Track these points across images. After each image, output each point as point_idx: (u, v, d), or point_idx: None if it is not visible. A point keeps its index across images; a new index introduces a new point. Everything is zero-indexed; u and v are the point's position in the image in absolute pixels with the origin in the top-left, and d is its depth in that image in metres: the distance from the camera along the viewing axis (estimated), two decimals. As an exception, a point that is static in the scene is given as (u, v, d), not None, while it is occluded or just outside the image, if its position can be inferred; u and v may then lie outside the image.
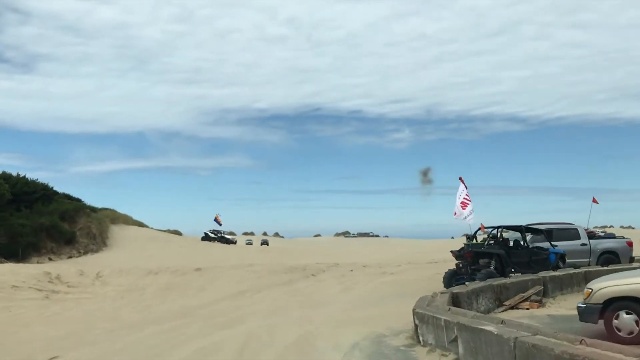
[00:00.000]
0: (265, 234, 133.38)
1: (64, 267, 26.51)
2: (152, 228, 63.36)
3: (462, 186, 17.57)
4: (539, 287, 12.77)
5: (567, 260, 17.99)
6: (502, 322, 7.08)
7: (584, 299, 8.76)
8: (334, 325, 11.71)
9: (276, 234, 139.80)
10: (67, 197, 52.81)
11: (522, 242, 16.80)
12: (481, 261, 16.00)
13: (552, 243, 17.13)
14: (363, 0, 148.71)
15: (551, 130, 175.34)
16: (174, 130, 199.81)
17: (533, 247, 16.68)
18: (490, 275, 15.27)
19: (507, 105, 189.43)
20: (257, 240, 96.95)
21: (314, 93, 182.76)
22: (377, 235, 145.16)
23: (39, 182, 48.57)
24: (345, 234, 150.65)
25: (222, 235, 68.23)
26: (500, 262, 15.93)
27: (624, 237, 21.10)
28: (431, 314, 8.58)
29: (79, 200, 53.85)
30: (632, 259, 19.51)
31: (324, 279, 21.35)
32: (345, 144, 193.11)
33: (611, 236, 22.30)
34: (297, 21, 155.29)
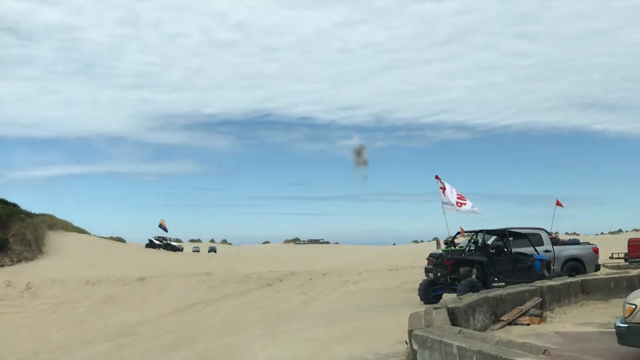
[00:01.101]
0: (212, 240, 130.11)
1: (-11, 277, 23.81)
2: (93, 235, 60.09)
3: (443, 183, 16.02)
4: (537, 299, 11.22)
5: None
6: (545, 351, 5.38)
7: (625, 317, 7.15)
8: (304, 347, 9.89)
9: (224, 241, 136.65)
10: (2, 201, 49.32)
11: (505, 249, 15.34)
12: (461, 269, 14.43)
13: (536, 249, 15.71)
14: (314, 6, 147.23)
15: (497, 138, 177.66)
16: (119, 135, 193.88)
17: (516, 254, 15.23)
18: (473, 286, 13.72)
19: (455, 113, 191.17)
20: (204, 247, 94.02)
21: (264, 99, 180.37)
22: (327, 242, 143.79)
23: (-32, 185, 45.00)
24: (295, 240, 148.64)
25: (168, 242, 65.28)
26: (483, 271, 14.40)
27: (589, 244, 19.76)
28: (437, 338, 6.82)
29: (15, 205, 50.41)
30: (597, 267, 18.26)
31: (282, 289, 19.46)
32: (295, 150, 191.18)
33: (575, 242, 21.04)
34: (247, 26, 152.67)
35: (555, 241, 18.98)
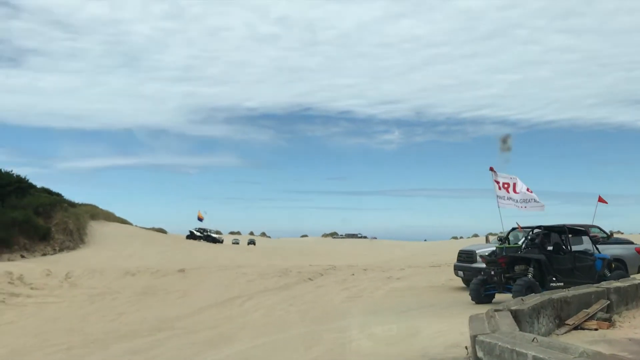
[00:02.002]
0: (252, 233, 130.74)
1: (30, 266, 23.69)
2: (135, 226, 60.47)
3: (498, 175, 15.09)
4: (605, 302, 10.28)
5: None
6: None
7: None
8: (350, 349, 9.19)
9: (263, 234, 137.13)
10: (47, 191, 49.80)
11: (564, 246, 14.35)
12: (517, 268, 13.53)
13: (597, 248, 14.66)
14: (356, 0, 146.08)
15: (540, 134, 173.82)
16: (162, 128, 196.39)
17: (576, 252, 14.24)
18: (529, 286, 12.84)
19: (497, 109, 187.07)
20: (243, 239, 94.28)
21: (304, 93, 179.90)
22: (365, 237, 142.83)
23: (13, 174, 45.50)
24: (333, 234, 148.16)
25: (209, 233, 65.38)
26: (540, 270, 13.47)
27: (632, 243, 18.49)
28: (508, 346, 6.04)
29: (58, 195, 50.93)
30: None
31: (323, 284, 18.77)
32: (334, 144, 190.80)
33: (619, 241, 19.59)
34: (289, 20, 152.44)
35: (595, 240, 17.79)
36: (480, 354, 6.67)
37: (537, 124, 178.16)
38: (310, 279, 20.07)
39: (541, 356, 5.55)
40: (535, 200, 15.77)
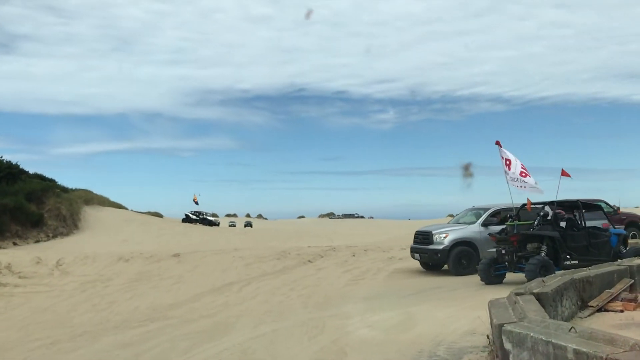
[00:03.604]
0: (248, 215, 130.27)
1: (19, 253, 22.93)
2: (130, 210, 59.63)
3: (502, 150, 14.30)
4: (629, 281, 9.59)
5: None
6: None
7: None
8: (356, 337, 8.49)
9: (259, 216, 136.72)
10: (40, 177, 48.92)
11: (578, 222, 13.66)
12: (529, 246, 12.84)
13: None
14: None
15: (534, 110, 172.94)
16: (156, 112, 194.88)
17: (590, 228, 13.56)
18: (543, 265, 12.18)
19: (491, 86, 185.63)
20: (240, 222, 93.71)
21: (299, 73, 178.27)
22: (362, 217, 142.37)
23: (3, 160, 44.61)
24: (330, 215, 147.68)
25: (205, 216, 64.68)
26: (554, 247, 12.79)
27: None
28: (542, 337, 5.31)
29: (52, 180, 50.02)
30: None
31: (324, 266, 18.09)
32: (329, 124, 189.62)
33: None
34: (282, 0, 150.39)
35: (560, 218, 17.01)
36: (507, 345, 5.95)
37: (531, 100, 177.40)
38: (309, 261, 19.39)
39: (584, 350, 4.82)
40: (530, 185, 15.02)
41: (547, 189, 15.84)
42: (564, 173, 18.08)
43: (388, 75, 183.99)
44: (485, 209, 16.83)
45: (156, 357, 8.23)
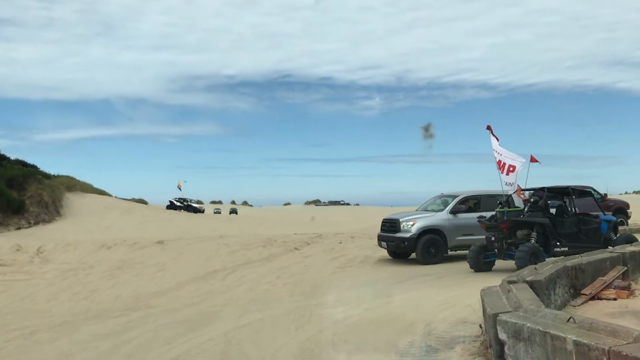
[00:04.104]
0: (233, 202, 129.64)
1: (-1, 240, 22.46)
2: (115, 197, 58.95)
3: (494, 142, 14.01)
4: (622, 268, 9.43)
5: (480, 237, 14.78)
6: None
7: None
8: (344, 327, 8.25)
9: (245, 203, 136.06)
10: (21, 163, 48.14)
11: (568, 208, 13.50)
12: (519, 233, 12.67)
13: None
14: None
15: (520, 97, 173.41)
16: (141, 98, 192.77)
17: (580, 214, 13.40)
18: (533, 252, 12.02)
19: (477, 72, 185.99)
20: (225, 209, 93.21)
21: (284, 59, 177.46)
22: (347, 204, 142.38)
23: (-17, 146, 43.82)
24: (316, 202, 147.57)
25: (189, 203, 64.19)
26: (544, 234, 12.62)
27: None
28: (539, 328, 5.08)
29: (33, 166, 49.24)
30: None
31: (311, 254, 17.83)
32: (315, 111, 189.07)
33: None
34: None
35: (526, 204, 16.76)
36: (502, 335, 5.74)
37: (517, 87, 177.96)
38: (296, 248, 19.12)
39: (585, 341, 4.62)
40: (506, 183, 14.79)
41: (532, 176, 15.67)
42: (533, 159, 17.78)
43: (374, 61, 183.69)
44: (454, 196, 16.51)
45: (137, 347, 7.94)
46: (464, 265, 13.71)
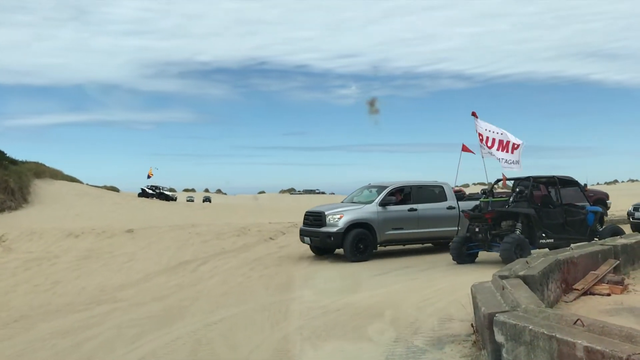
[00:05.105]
0: (207, 190, 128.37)
1: (-41, 229, 21.48)
2: (86, 184, 57.61)
3: (478, 122, 13.58)
4: (614, 262, 9.02)
5: (429, 230, 14.69)
6: None
7: None
8: (323, 323, 7.70)
9: (219, 191, 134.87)
10: (-13, 149, 46.67)
11: (554, 199, 13.11)
12: (504, 224, 12.24)
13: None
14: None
15: (495, 88, 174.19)
16: (114, 83, 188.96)
17: (566, 205, 13.02)
18: (519, 244, 11.61)
19: (454, 62, 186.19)
20: (198, 197, 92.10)
21: (260, 46, 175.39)
22: (323, 192, 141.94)
23: (-55, 131, 42.35)
24: (291, 190, 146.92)
25: (162, 191, 63.10)
26: (529, 225, 12.21)
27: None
28: (545, 332, 4.57)
29: (0, 152, 47.78)
30: None
31: (286, 244, 17.29)
32: (291, 99, 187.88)
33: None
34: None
35: (460, 196, 16.24)
36: (500, 338, 5.21)
37: (492, 77, 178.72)
38: (271, 238, 18.55)
39: (598, 347, 4.10)
40: (506, 161, 14.43)
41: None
42: (465, 148, 17.22)
43: (351, 50, 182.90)
44: (383, 187, 15.37)
45: (99, 347, 7.30)
46: (447, 257, 13.27)
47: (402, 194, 15.27)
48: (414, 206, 14.58)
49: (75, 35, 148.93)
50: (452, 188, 15.81)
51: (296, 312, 8.44)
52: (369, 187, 16.30)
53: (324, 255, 15.23)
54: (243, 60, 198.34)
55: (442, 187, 15.49)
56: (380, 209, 14.63)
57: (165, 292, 11.09)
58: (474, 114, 13.74)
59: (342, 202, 16.69)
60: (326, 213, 14.61)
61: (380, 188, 15.41)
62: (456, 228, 14.87)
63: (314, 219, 15.04)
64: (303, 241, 15.37)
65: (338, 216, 14.41)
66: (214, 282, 11.92)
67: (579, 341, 4.27)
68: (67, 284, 12.82)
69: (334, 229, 14.22)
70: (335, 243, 14.36)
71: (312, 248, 15.46)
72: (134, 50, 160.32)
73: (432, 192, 15.32)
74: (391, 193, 15.07)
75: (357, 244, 14.16)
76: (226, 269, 13.40)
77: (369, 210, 14.61)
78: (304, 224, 15.56)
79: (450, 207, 15.06)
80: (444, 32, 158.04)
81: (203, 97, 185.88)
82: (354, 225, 14.31)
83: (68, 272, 14.33)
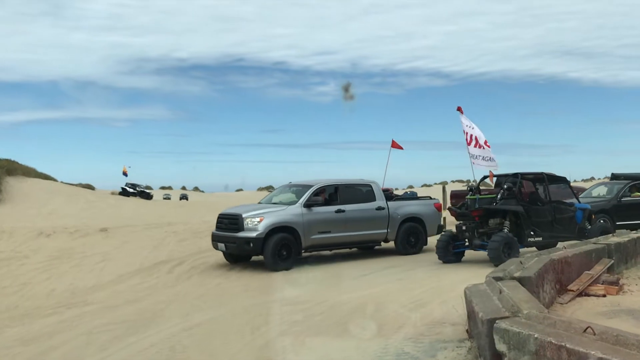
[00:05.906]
0: (184, 188, 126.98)
1: None
2: (60, 182, 56.51)
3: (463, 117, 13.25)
4: (609, 261, 8.71)
5: (358, 233, 13.70)
6: None
7: None
8: (307, 329, 7.27)
9: (196, 188, 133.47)
10: (-44, 145, 45.68)
11: (543, 196, 12.82)
12: (491, 222, 11.92)
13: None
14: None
15: (472, 86, 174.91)
16: (89, 80, 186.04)
17: (555, 202, 12.74)
18: (507, 242, 11.31)
19: (431, 60, 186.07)
20: (175, 194, 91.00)
21: (238, 43, 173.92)
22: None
23: None
24: (269, 188, 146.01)
25: (143, 189, 62.11)
26: (517, 223, 11.91)
27: (430, 198, 15.93)
28: (553, 341, 4.18)
29: (-30, 149, 46.77)
30: (440, 228, 14.87)
31: (265, 243, 16.74)
32: (269, 96, 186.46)
33: (414, 196, 16.62)
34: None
35: (389, 196, 15.18)
36: (501, 347, 4.80)
37: (469, 75, 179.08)
38: (249, 236, 18.03)
39: (614, 359, 3.75)
40: (482, 158, 14.07)
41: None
42: (394, 144, 16.73)
43: (329, 47, 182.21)
44: (307, 186, 13.97)
45: (67, 355, 6.82)
46: (432, 256, 12.92)
47: (328, 193, 14.10)
48: (342, 207, 13.58)
49: (50, 30, 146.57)
50: (381, 187, 14.91)
51: (278, 316, 8.00)
52: (291, 186, 15.03)
53: (237, 262, 13.68)
54: (220, 57, 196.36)
55: (370, 186, 14.42)
56: (305, 210, 13.30)
57: (139, 295, 10.57)
58: (459, 109, 13.40)
59: (259, 202, 15.40)
60: (244, 216, 13.05)
61: (304, 187, 14.07)
62: (385, 230, 14.09)
63: (230, 222, 13.50)
64: (216, 247, 13.65)
65: (258, 219, 12.88)
66: (190, 284, 11.43)
67: (592, 352, 3.89)
68: (35, 286, 12.22)
69: (254, 234, 12.66)
70: (254, 250, 12.81)
71: (225, 256, 13.79)
72: (110, 47, 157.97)
73: (360, 192, 14.25)
74: (316, 193, 13.78)
75: (280, 250, 12.74)
76: (203, 270, 12.88)
77: (293, 213, 13.24)
78: (217, 227, 14.02)
79: (379, 208, 14.08)
80: (421, 30, 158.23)
81: (180, 94, 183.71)
82: (275, 230, 12.85)
83: (37, 273, 13.70)
